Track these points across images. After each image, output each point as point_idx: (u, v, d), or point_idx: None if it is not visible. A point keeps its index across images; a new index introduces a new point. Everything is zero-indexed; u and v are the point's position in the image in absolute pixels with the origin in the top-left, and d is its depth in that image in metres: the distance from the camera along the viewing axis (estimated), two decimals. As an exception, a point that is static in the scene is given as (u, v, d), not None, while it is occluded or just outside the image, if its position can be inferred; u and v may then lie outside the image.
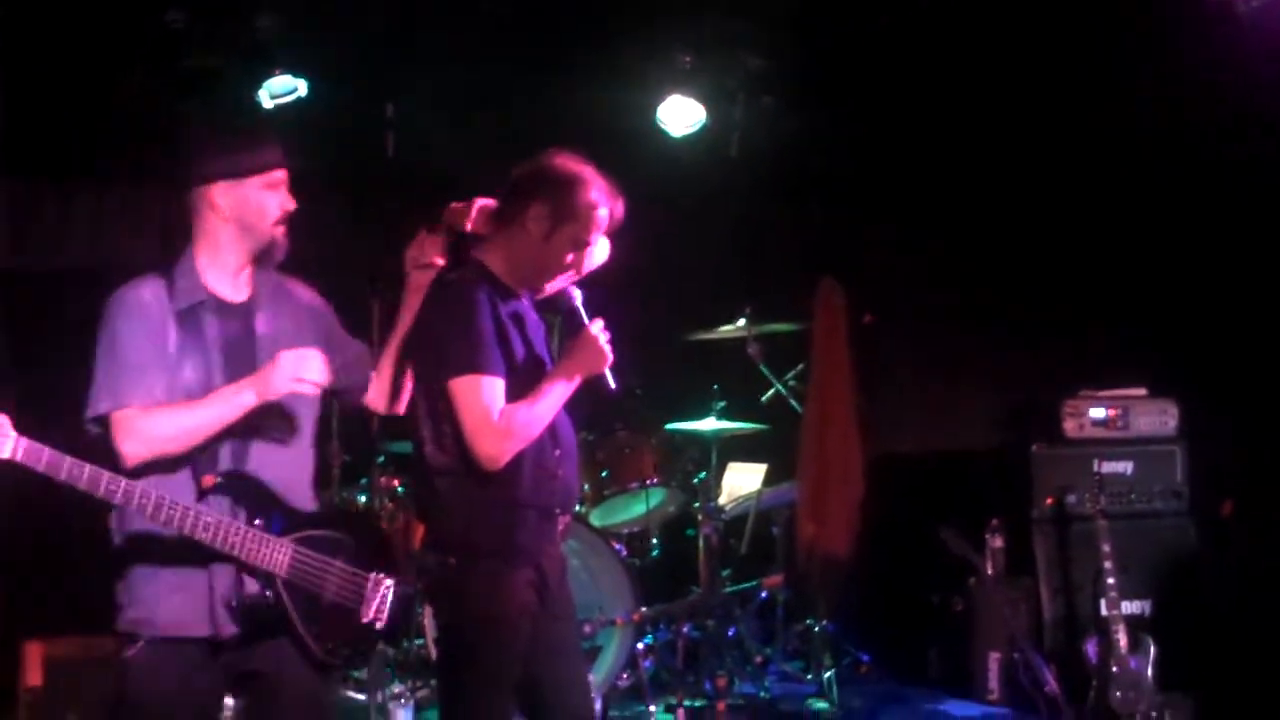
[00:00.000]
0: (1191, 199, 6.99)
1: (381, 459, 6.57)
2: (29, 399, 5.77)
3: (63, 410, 6.32)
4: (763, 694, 6.90)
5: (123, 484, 3.54)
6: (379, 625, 3.93)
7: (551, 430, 4.05)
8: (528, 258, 4.08)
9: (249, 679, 3.86)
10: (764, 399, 7.47)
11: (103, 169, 7.01)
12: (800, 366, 7.33)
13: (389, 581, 3.95)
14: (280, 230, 3.93)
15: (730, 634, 7.12)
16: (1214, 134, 6.70)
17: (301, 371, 3.79)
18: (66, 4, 6.29)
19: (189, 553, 3.68)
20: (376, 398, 4.25)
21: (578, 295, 4.13)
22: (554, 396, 3.97)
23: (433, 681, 6.30)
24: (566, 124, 6.88)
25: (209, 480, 3.72)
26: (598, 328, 4.03)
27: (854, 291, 7.22)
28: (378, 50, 7.02)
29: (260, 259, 3.95)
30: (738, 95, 7.60)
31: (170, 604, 3.71)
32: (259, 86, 6.80)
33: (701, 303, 7.64)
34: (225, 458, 3.78)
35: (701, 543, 7.00)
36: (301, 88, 6.85)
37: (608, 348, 4.01)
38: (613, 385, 4.06)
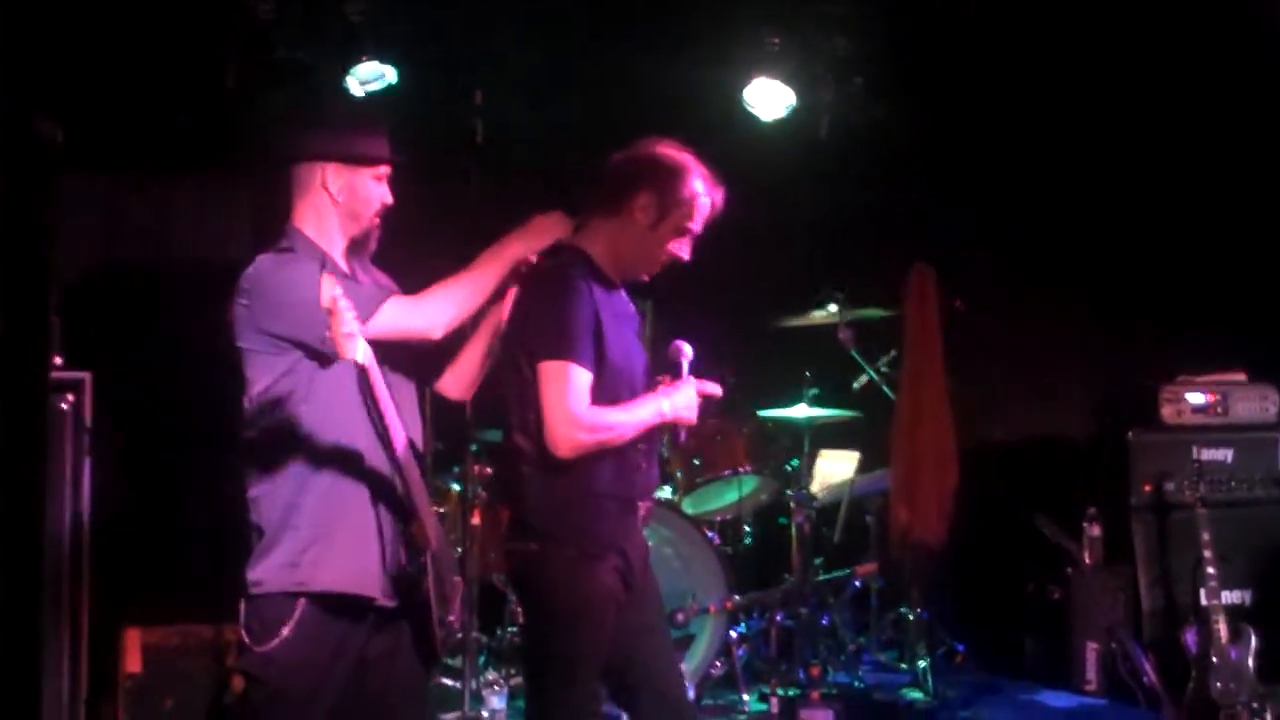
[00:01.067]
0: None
1: (475, 447, 6.57)
2: (122, 390, 5.89)
3: (155, 399, 6.46)
4: (857, 683, 6.86)
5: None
6: (456, 628, 3.94)
7: None
8: (632, 247, 4.10)
9: (361, 666, 3.85)
10: (856, 385, 7.40)
11: (198, 161, 7.06)
12: (893, 353, 7.25)
13: (462, 586, 3.96)
14: (376, 223, 4.01)
15: (824, 622, 7.08)
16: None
17: None
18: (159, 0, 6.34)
19: (363, 517, 3.74)
20: (452, 385, 4.26)
21: (688, 352, 4.20)
22: (640, 416, 3.99)
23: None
24: (654, 108, 6.87)
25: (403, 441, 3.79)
26: (693, 387, 4.10)
27: (946, 277, 7.14)
28: (465, 36, 7.03)
29: (353, 247, 4.01)
30: (826, 78, 7.51)
31: (346, 562, 3.73)
32: (348, 74, 6.81)
33: (793, 288, 7.58)
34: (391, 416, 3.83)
35: (794, 530, 6.95)
36: (390, 75, 6.86)
37: (696, 410, 4.10)
38: (681, 438, 4.26)
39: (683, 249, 4.14)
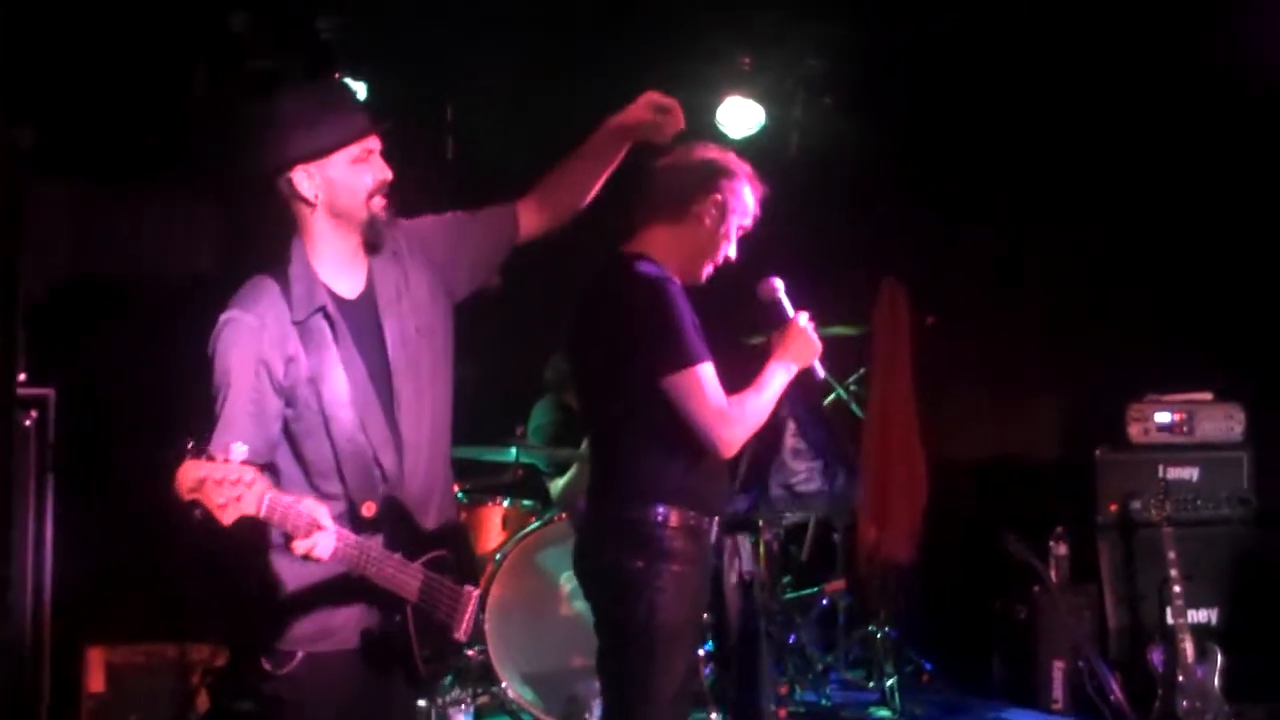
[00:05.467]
0: (1259, 203, 6.90)
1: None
2: (87, 406, 5.85)
3: (114, 410, 6.41)
4: (824, 702, 6.87)
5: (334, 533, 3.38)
6: (464, 640, 3.90)
7: None
8: (698, 250, 4.13)
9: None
10: (825, 403, 7.39)
11: (167, 175, 7.02)
12: (861, 371, 7.26)
13: (475, 594, 3.90)
14: (379, 204, 3.57)
15: (791, 641, 7.08)
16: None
17: None
18: (130, 10, 6.31)
19: (344, 580, 3.59)
20: (536, 216, 4.12)
21: (780, 287, 4.23)
22: (774, 387, 4.00)
23: (493, 688, 6.30)
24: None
25: (371, 509, 3.58)
26: (804, 319, 4.10)
27: (917, 293, 7.15)
28: (438, 52, 7.01)
29: (368, 245, 3.62)
30: (797, 96, 7.54)
31: (332, 622, 3.64)
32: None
33: (762, 305, 7.56)
34: (391, 463, 3.61)
35: (762, 549, 6.93)
36: (361, 90, 6.84)
37: (816, 338, 4.08)
38: (820, 374, 4.16)
39: (731, 248, 4.18)
